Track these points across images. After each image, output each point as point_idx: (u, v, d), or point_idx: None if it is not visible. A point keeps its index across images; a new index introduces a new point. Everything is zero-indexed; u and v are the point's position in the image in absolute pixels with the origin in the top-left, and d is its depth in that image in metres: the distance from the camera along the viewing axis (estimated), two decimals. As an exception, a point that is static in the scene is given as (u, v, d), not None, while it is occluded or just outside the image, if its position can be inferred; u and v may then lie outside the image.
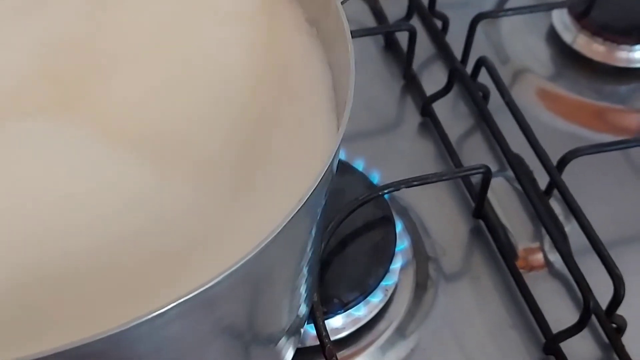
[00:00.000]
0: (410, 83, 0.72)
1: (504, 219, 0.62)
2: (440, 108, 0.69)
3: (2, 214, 0.36)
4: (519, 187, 0.62)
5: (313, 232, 0.40)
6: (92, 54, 0.44)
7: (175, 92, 0.43)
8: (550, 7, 0.73)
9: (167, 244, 0.36)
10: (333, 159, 0.37)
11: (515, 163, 0.62)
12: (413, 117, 0.70)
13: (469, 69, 0.69)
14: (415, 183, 0.58)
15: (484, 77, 0.69)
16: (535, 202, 0.60)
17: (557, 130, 0.70)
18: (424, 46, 0.75)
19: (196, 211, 0.38)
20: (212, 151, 0.41)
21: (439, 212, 0.62)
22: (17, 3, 0.46)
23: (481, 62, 0.67)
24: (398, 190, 0.58)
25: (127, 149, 0.40)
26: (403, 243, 0.58)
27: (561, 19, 0.75)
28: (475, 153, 0.67)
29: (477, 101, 0.67)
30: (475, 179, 0.63)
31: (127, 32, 0.46)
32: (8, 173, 0.38)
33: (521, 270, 0.59)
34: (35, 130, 0.40)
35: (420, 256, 0.60)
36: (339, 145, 0.37)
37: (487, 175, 0.59)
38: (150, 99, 0.43)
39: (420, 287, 0.58)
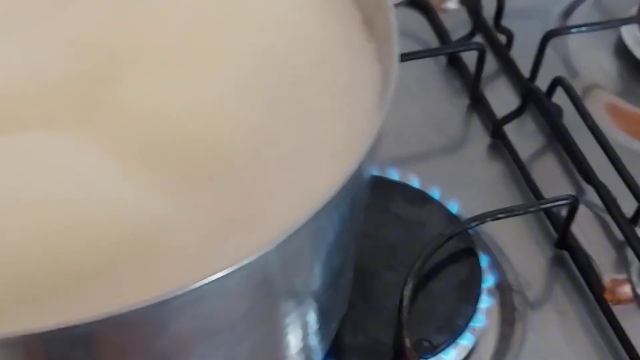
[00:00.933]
0: (477, 103, 0.69)
1: (588, 249, 0.59)
2: (510, 129, 0.67)
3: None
4: (602, 215, 0.60)
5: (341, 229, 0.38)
6: (113, 56, 0.42)
7: (203, 94, 0.41)
8: (622, 23, 0.71)
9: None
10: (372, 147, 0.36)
11: (601, 190, 0.59)
12: (482, 139, 0.67)
13: (539, 86, 0.67)
14: (500, 216, 0.56)
15: (556, 97, 0.66)
16: (624, 230, 0.57)
17: (629, 150, 0.67)
18: (487, 62, 0.72)
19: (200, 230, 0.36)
20: (236, 153, 0.39)
21: (520, 242, 0.60)
22: (45, 3, 0.44)
23: (557, 82, 0.64)
24: (484, 223, 0.55)
25: (138, 163, 0.38)
26: (490, 279, 0.55)
27: (632, 33, 0.72)
28: (551, 177, 0.64)
29: (554, 123, 0.64)
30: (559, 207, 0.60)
31: (154, 33, 0.43)
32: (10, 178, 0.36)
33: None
34: (51, 136, 0.39)
35: (505, 290, 0.57)
36: (376, 137, 0.36)
37: (574, 206, 0.57)
38: (175, 102, 0.40)
39: (507, 322, 0.56)
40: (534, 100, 0.66)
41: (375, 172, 0.59)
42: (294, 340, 0.41)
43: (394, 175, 0.60)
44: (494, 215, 0.55)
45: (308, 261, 0.37)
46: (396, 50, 0.40)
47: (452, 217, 0.57)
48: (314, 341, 0.44)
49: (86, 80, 0.40)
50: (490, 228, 0.59)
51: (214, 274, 0.30)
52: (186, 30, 0.43)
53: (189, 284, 0.30)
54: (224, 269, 0.30)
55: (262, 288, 0.35)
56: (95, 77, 0.41)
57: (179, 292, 0.30)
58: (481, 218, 0.55)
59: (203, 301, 0.32)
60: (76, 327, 0.29)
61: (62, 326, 0.29)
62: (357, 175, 0.35)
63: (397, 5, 0.71)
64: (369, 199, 0.44)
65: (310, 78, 0.43)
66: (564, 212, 0.58)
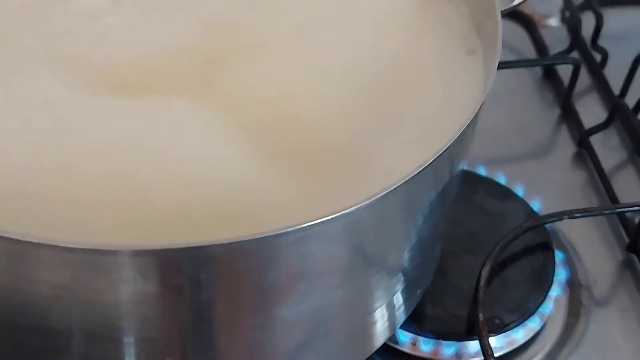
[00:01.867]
0: (567, 113, 0.74)
1: (656, 255, 0.64)
2: (596, 140, 0.71)
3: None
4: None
5: (434, 197, 0.43)
6: (238, 40, 0.47)
7: (311, 81, 0.45)
8: None
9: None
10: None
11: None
12: (568, 147, 0.72)
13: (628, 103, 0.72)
14: (577, 215, 0.61)
15: None
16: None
17: None
18: (581, 77, 0.77)
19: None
20: (335, 135, 0.43)
21: (593, 242, 0.65)
22: None
23: (644, 100, 0.69)
24: (561, 220, 0.60)
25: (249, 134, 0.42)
26: (562, 272, 0.60)
27: None
28: (629, 188, 0.69)
29: (637, 139, 0.69)
30: (632, 213, 0.65)
31: (275, 24, 0.48)
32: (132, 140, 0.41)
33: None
34: (170, 106, 0.43)
35: (574, 284, 0.62)
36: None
37: (647, 213, 0.61)
38: (285, 85, 0.45)
39: (573, 314, 0.61)
40: (620, 116, 0.70)
41: (464, 167, 0.65)
42: (382, 297, 0.47)
43: (481, 171, 0.65)
44: (571, 214, 0.60)
45: (401, 225, 0.43)
46: (498, 56, 0.45)
47: (531, 213, 0.63)
48: (399, 302, 0.50)
49: (212, 58, 0.46)
50: (566, 226, 0.64)
51: (320, 218, 0.36)
52: (303, 25, 0.48)
53: (298, 224, 0.36)
54: (327, 215, 0.36)
55: (359, 242, 0.41)
56: (219, 56, 0.46)
57: (290, 229, 0.36)
58: (559, 215, 0.60)
59: (308, 242, 0.38)
60: (205, 247, 0.35)
61: (197, 244, 0.35)
62: (453, 148, 0.40)
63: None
64: (458, 186, 0.50)
65: (410, 74, 0.48)
66: (637, 219, 0.63)
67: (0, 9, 0.49)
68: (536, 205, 0.63)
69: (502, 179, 0.65)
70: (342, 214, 0.36)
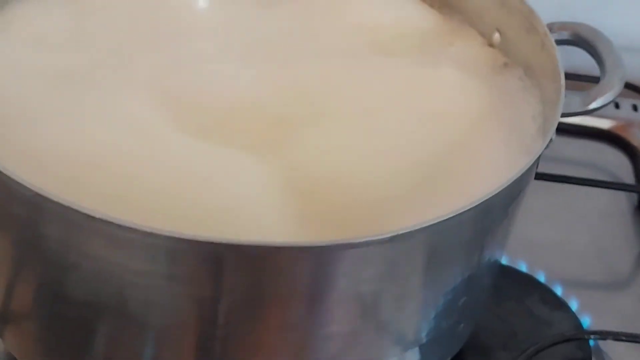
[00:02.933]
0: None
1: None
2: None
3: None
4: None
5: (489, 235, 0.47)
6: (314, 104, 0.51)
7: (370, 158, 0.48)
8: None
9: None
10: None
11: None
12: (642, 284, 0.71)
13: None
14: (623, 338, 0.60)
15: None
16: None
17: None
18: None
19: None
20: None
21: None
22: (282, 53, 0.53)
23: None
24: (604, 339, 0.59)
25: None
26: (595, 391, 0.59)
27: None
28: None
29: None
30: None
31: (353, 95, 0.52)
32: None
33: None
34: (238, 158, 0.47)
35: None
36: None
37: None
38: (344, 160, 0.48)
39: None
40: None
41: (523, 269, 0.65)
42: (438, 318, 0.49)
43: (540, 277, 0.65)
44: (617, 336, 0.59)
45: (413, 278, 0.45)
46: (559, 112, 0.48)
47: (578, 327, 0.62)
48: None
49: (286, 119, 0.50)
50: (612, 347, 0.62)
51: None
52: (372, 107, 0.52)
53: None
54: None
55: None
56: (292, 120, 0.50)
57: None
58: (603, 334, 0.60)
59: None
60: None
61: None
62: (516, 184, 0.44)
63: (595, 138, 0.78)
64: (492, 277, 0.52)
65: (462, 163, 0.50)
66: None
67: (128, 35, 0.55)
68: (586, 321, 0.63)
69: (558, 290, 0.65)
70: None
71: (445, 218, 0.42)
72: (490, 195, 0.43)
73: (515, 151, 0.51)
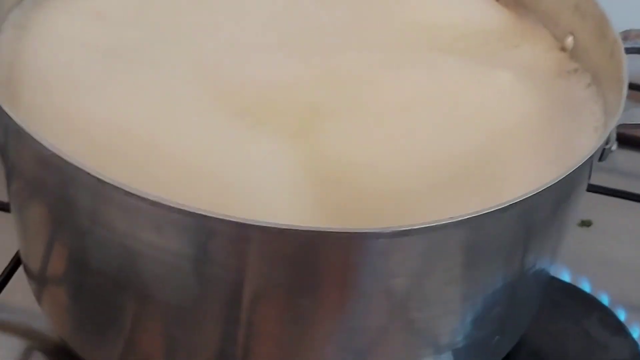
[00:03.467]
0: None
1: None
2: None
3: None
4: None
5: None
6: (349, 94, 0.50)
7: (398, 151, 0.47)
8: None
9: None
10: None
11: None
12: None
13: None
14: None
15: None
16: None
17: None
18: None
19: None
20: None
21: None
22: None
23: None
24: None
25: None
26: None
27: None
28: None
29: None
30: None
31: (393, 87, 0.50)
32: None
33: None
34: (266, 142, 0.46)
35: None
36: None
37: None
38: (373, 152, 0.47)
39: None
40: None
41: (586, 288, 0.62)
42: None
43: (604, 299, 0.62)
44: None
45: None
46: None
47: (637, 354, 0.58)
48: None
49: (319, 106, 0.49)
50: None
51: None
52: (408, 101, 0.50)
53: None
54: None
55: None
56: (326, 107, 0.49)
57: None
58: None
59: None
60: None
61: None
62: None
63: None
64: (541, 291, 0.50)
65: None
66: None
67: (186, 16, 0.55)
68: (647, 350, 0.59)
69: (622, 315, 0.61)
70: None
71: (483, 212, 0.40)
72: (531, 194, 0.41)
73: (564, 161, 0.48)
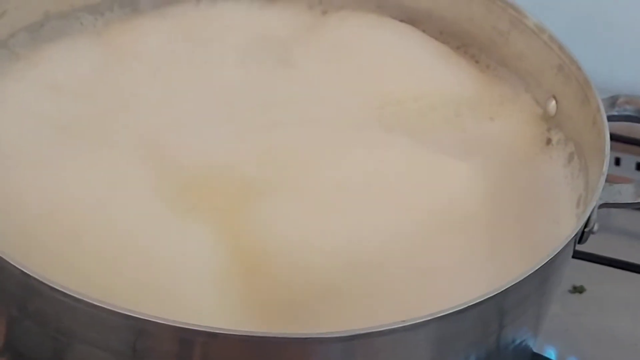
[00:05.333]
0: None
1: None
2: None
3: None
4: None
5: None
6: (286, 173, 0.48)
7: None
8: None
9: None
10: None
11: None
12: None
13: None
14: None
15: None
16: None
17: None
18: None
19: None
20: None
21: None
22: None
23: None
24: None
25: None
26: None
27: None
28: None
29: None
30: None
31: (333, 167, 0.48)
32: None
33: None
34: (196, 229, 0.45)
35: None
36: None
37: None
38: (309, 237, 0.44)
39: None
40: None
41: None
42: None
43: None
44: None
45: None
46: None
47: None
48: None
49: (247, 187, 0.47)
50: None
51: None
52: (347, 184, 0.47)
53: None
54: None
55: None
56: (256, 187, 0.47)
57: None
58: None
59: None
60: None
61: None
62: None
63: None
64: None
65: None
66: None
67: (141, 87, 0.53)
68: None
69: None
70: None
71: (445, 313, 0.37)
72: (490, 295, 0.38)
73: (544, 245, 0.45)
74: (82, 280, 0.40)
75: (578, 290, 0.66)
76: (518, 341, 0.45)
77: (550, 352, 0.58)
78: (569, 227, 0.45)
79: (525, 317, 0.44)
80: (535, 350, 0.50)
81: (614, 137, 0.47)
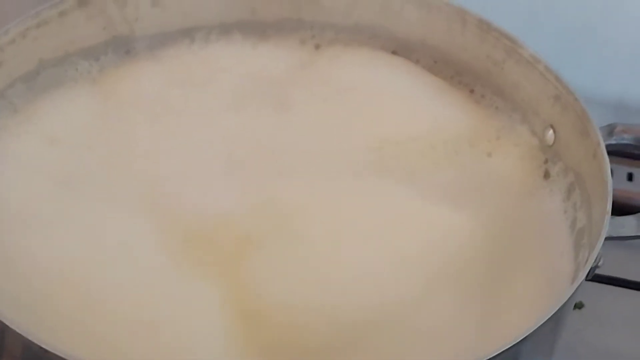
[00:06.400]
0: None
1: None
2: None
3: None
4: None
5: None
6: (281, 227, 0.47)
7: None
8: None
9: None
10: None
11: None
12: None
13: None
14: None
15: None
16: None
17: None
18: None
19: None
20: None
21: None
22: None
23: None
24: None
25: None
26: None
27: None
28: None
29: None
30: None
31: (328, 221, 0.48)
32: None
33: None
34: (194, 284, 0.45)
35: None
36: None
37: None
38: (302, 294, 0.44)
39: None
40: None
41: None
42: None
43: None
44: None
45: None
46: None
47: None
48: None
49: (251, 238, 0.47)
50: None
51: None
52: (340, 239, 0.47)
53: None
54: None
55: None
56: (252, 240, 0.47)
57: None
58: None
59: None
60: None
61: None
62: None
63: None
64: None
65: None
66: None
67: (140, 137, 0.53)
68: None
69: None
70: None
71: None
72: (510, 345, 0.38)
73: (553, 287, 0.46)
74: (94, 343, 0.40)
75: (577, 306, 0.67)
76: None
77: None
78: (571, 262, 0.46)
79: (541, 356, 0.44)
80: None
81: (622, 154, 0.47)
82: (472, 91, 0.57)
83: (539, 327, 0.39)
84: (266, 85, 0.55)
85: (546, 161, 0.53)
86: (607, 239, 0.45)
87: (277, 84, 0.56)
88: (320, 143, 0.53)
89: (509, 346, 0.38)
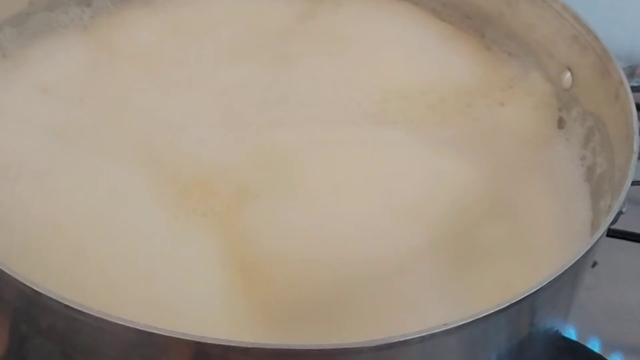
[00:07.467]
0: None
1: None
2: None
3: None
4: None
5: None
6: (281, 175, 0.46)
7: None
8: None
9: None
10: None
11: None
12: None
13: None
14: None
15: None
16: None
17: None
18: None
19: None
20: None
21: None
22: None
23: None
24: None
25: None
26: None
27: None
28: None
29: None
30: None
31: (328, 168, 0.47)
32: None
33: None
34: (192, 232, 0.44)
35: None
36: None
37: None
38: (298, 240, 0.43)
39: None
40: None
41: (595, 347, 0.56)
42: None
43: (594, 346, 0.56)
44: None
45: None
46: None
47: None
48: None
49: (242, 189, 0.45)
50: None
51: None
52: (343, 184, 0.46)
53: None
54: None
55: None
56: (249, 190, 0.45)
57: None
58: None
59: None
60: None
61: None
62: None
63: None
64: None
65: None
66: None
67: (133, 90, 0.51)
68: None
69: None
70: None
71: (478, 317, 0.35)
72: (533, 290, 0.36)
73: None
74: (86, 294, 0.38)
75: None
76: (550, 329, 0.44)
77: (570, 332, 0.57)
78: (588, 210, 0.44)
79: (559, 308, 0.42)
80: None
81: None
82: (482, 36, 0.55)
83: (559, 276, 0.37)
84: (265, 37, 0.53)
85: (560, 109, 0.51)
86: (634, 183, 0.43)
87: (276, 36, 0.54)
88: (321, 95, 0.50)
89: (526, 295, 0.36)
